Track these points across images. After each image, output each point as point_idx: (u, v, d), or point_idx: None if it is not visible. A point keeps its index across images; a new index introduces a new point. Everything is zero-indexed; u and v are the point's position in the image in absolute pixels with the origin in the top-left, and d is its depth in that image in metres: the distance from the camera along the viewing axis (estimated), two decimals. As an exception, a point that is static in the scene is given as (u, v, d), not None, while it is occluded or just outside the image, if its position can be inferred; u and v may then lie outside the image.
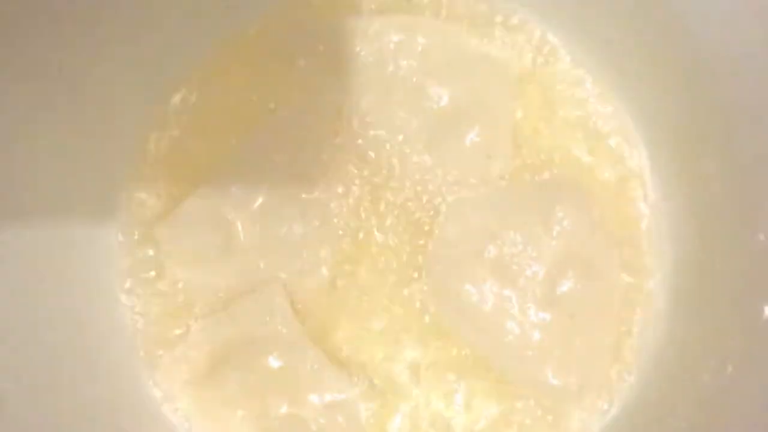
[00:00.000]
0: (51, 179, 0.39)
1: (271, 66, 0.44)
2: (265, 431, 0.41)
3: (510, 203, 0.43)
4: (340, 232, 0.43)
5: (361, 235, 0.43)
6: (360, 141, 0.43)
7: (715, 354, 0.38)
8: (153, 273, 0.43)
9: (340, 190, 0.43)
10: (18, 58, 0.36)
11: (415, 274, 0.42)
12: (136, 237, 0.43)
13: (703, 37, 0.37)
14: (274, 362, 0.41)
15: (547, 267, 0.41)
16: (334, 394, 0.41)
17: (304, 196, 0.42)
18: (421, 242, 0.43)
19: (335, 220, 0.43)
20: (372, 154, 0.43)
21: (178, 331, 0.43)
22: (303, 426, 0.41)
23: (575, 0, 0.43)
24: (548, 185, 0.43)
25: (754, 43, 0.35)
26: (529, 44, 0.45)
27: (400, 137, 0.43)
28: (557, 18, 0.44)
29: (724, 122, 0.38)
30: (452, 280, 0.41)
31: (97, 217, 0.43)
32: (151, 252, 0.43)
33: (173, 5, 0.41)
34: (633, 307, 0.42)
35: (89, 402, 0.40)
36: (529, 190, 0.43)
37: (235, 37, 0.45)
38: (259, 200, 0.42)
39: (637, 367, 0.42)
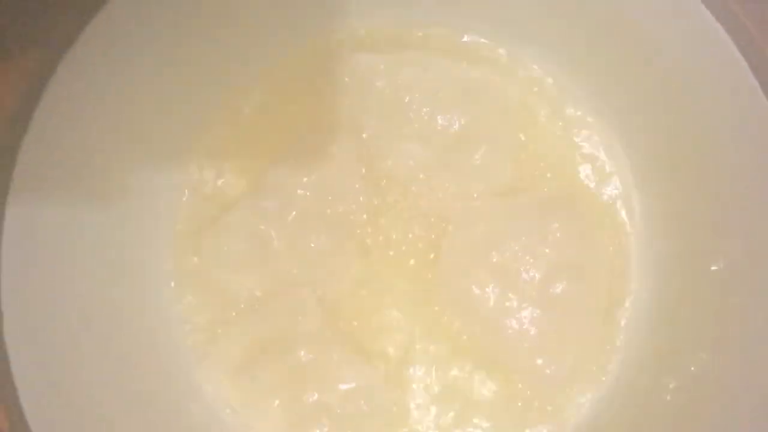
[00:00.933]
0: (116, 178, 0.42)
1: (301, 97, 0.47)
2: (298, 417, 0.43)
3: (510, 215, 0.45)
4: (362, 242, 0.46)
5: (380, 244, 0.46)
6: (379, 162, 0.46)
7: (691, 346, 0.41)
8: (199, 277, 0.46)
9: (362, 205, 0.45)
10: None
11: (428, 278, 0.45)
12: (184, 245, 0.46)
13: (681, 70, 0.40)
14: (304, 355, 0.44)
15: (543, 271, 0.43)
16: (358, 383, 0.43)
17: (329, 211, 0.45)
18: (433, 251, 0.45)
19: (357, 232, 0.45)
20: (390, 174, 0.46)
21: (220, 329, 0.45)
22: (331, 412, 0.43)
23: (568, 39, 0.46)
24: (544, 200, 0.46)
25: (719, 74, 0.38)
26: (528, 77, 0.48)
27: (415, 159, 0.46)
28: (552, 53, 0.47)
29: (698, 146, 0.41)
30: (460, 282, 0.44)
31: (149, 225, 0.45)
32: (196, 258, 0.46)
33: (213, 43, 0.44)
34: (618, 305, 0.45)
35: (142, 390, 0.42)
36: (527, 204, 0.46)
37: (270, 70, 0.47)
38: (292, 215, 0.45)
39: (623, 357, 0.44)
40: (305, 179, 0.45)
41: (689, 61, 0.39)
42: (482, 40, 0.48)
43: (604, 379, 0.44)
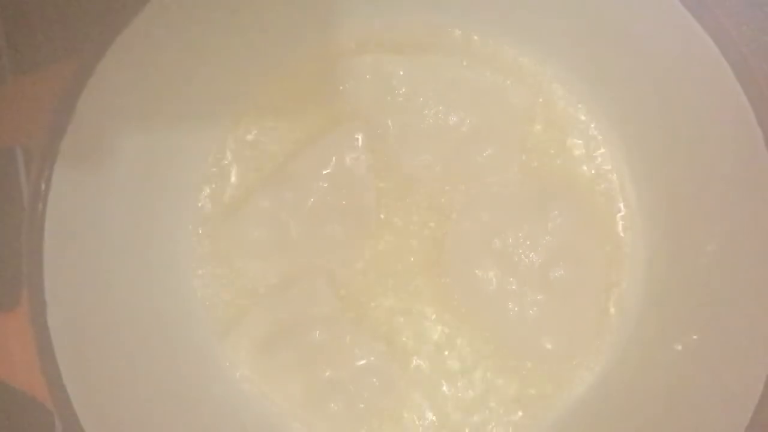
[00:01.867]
0: (144, 169, 0.44)
1: (319, 93, 0.48)
2: (314, 393, 0.46)
3: (513, 204, 0.47)
4: (373, 231, 0.47)
5: (390, 233, 0.47)
6: (392, 157, 0.47)
7: (681, 326, 0.43)
8: (221, 262, 0.47)
9: (374, 197, 0.47)
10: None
11: (435, 264, 0.47)
12: (206, 232, 0.48)
13: (673, 76, 0.42)
14: (319, 336, 0.46)
15: (543, 257, 0.45)
16: (369, 361, 0.46)
17: (344, 202, 0.47)
18: (439, 239, 0.47)
19: (369, 221, 0.47)
20: (402, 168, 0.48)
21: (240, 311, 0.47)
22: (344, 388, 0.46)
23: (575, 45, 0.47)
24: (545, 190, 0.47)
25: (707, 80, 0.40)
26: (536, 79, 0.49)
27: (426, 155, 0.47)
28: (559, 57, 0.48)
29: (689, 143, 0.43)
30: (465, 267, 0.46)
31: (175, 213, 0.47)
32: (219, 245, 0.47)
33: (236, 47, 0.45)
34: (613, 289, 0.47)
35: (168, 369, 0.44)
36: (529, 194, 0.47)
37: (289, 68, 0.49)
38: (308, 205, 0.46)
39: (617, 336, 0.46)
40: (323, 172, 0.47)
41: (682, 71, 0.41)
42: (494, 43, 0.50)
43: (599, 356, 0.46)
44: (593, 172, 0.49)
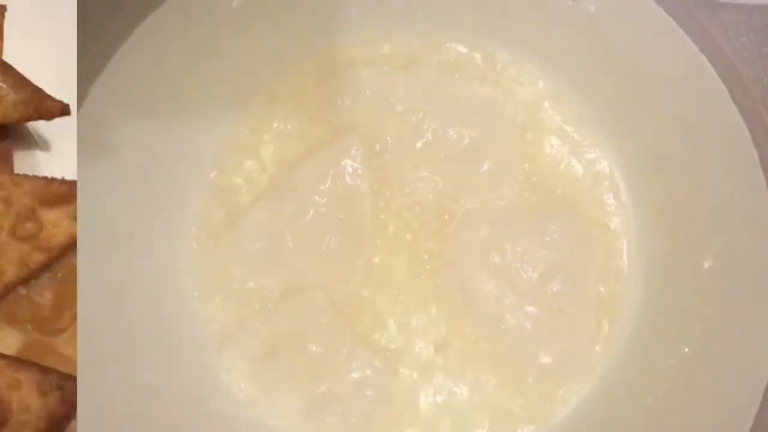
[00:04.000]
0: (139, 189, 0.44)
1: (318, 108, 0.49)
2: (310, 405, 0.45)
3: (511, 219, 0.47)
4: (370, 244, 0.47)
5: (387, 247, 0.48)
6: (391, 172, 0.48)
7: (677, 339, 0.43)
8: (218, 274, 0.47)
9: (372, 211, 0.47)
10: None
11: (432, 278, 0.47)
12: (204, 244, 0.48)
13: (670, 93, 0.43)
14: (315, 348, 0.45)
15: (540, 272, 0.45)
16: (364, 373, 0.45)
17: (341, 216, 0.47)
18: (437, 253, 0.47)
19: (367, 235, 0.47)
20: (400, 182, 0.48)
21: (238, 324, 0.47)
22: (339, 400, 0.45)
23: (574, 59, 0.48)
24: (543, 205, 0.48)
25: (703, 94, 0.41)
26: (533, 93, 0.50)
27: (425, 170, 0.48)
28: (558, 71, 0.49)
29: (688, 162, 0.43)
30: (462, 281, 0.46)
31: (172, 227, 0.47)
32: (216, 257, 0.48)
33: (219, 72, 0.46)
34: (609, 304, 0.47)
35: (163, 381, 0.44)
36: (527, 209, 0.48)
37: (287, 82, 0.49)
38: (307, 218, 0.47)
39: (614, 349, 0.46)
40: (321, 186, 0.47)
41: (680, 92, 0.42)
42: (494, 59, 0.50)
43: (596, 369, 0.46)
44: (591, 187, 0.49)
